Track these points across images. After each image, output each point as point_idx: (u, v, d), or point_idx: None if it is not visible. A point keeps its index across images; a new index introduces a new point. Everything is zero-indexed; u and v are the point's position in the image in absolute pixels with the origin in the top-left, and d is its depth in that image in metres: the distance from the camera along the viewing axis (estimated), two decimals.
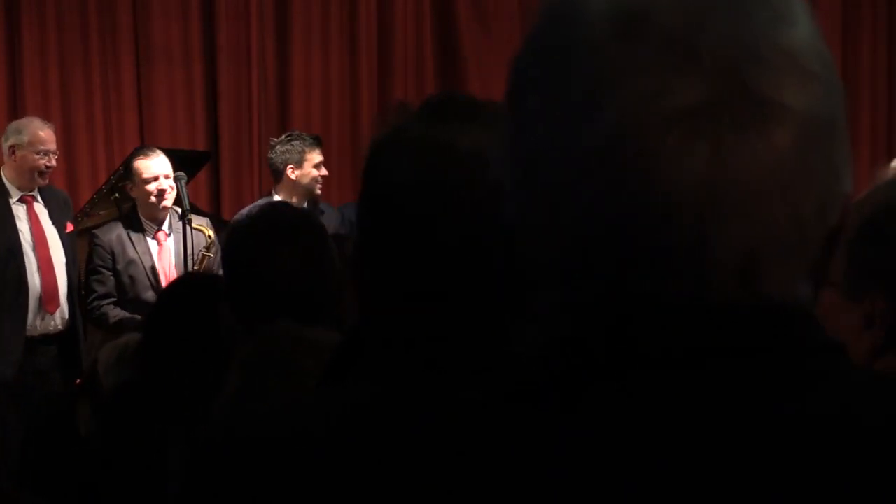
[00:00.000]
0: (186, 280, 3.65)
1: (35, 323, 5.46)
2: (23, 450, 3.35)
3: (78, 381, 5.01)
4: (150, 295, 5.33)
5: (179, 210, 5.54)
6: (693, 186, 0.70)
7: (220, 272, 3.64)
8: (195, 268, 5.45)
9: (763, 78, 0.71)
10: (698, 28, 0.71)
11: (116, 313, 5.47)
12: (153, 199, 5.51)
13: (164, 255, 5.58)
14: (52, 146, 5.59)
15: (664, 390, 0.72)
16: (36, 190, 5.58)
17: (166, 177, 5.52)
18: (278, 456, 0.87)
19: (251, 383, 2.07)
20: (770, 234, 0.72)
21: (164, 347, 2.75)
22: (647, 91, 0.71)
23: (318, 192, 5.98)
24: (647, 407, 0.72)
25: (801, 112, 0.72)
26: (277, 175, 5.92)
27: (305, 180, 5.88)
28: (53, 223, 5.58)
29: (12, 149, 5.52)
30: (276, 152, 5.93)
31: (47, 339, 5.51)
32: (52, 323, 5.52)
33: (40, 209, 5.58)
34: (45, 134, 5.57)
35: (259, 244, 2.43)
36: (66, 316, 5.55)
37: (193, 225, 5.48)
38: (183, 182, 5.57)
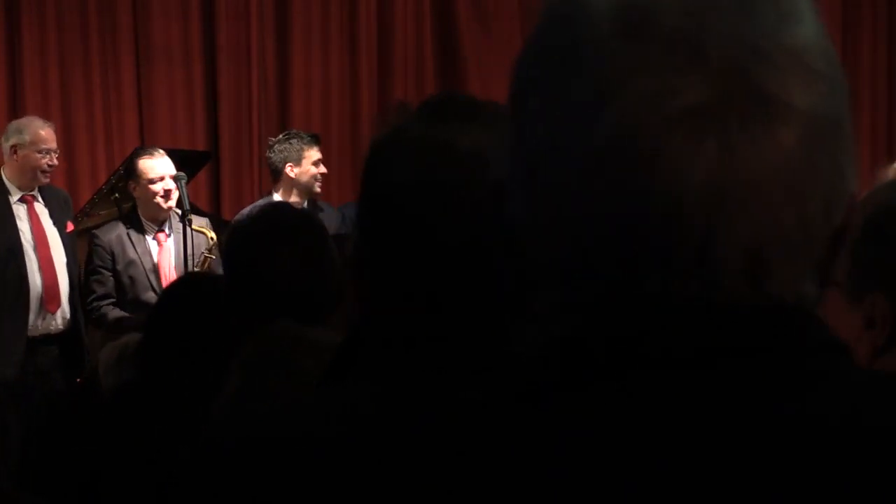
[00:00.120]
0: (187, 280, 3.64)
1: (36, 323, 5.46)
2: (23, 450, 3.35)
3: (79, 380, 5.02)
4: (149, 296, 5.32)
5: (180, 211, 5.54)
6: (700, 186, 0.70)
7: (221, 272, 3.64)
8: (197, 269, 5.44)
9: (768, 77, 0.71)
10: (703, 27, 0.71)
11: (115, 314, 5.46)
12: (158, 199, 5.51)
13: (164, 255, 5.57)
14: (54, 145, 5.60)
15: (664, 390, 0.72)
16: (36, 189, 5.58)
17: (171, 177, 5.53)
18: (278, 456, 0.87)
19: (251, 383, 2.07)
20: (776, 233, 0.72)
21: (165, 347, 2.75)
22: (652, 91, 0.70)
23: (318, 189, 5.98)
24: (647, 407, 0.72)
25: (807, 111, 0.72)
26: (276, 174, 5.92)
27: (304, 178, 5.88)
28: (54, 223, 5.58)
29: (14, 148, 5.52)
30: (274, 151, 5.93)
31: (48, 338, 5.51)
32: (53, 323, 5.52)
33: (41, 209, 5.58)
34: (47, 133, 5.58)
35: (259, 244, 2.43)
36: (67, 316, 5.55)
37: (195, 227, 5.48)
38: (183, 182, 5.56)
